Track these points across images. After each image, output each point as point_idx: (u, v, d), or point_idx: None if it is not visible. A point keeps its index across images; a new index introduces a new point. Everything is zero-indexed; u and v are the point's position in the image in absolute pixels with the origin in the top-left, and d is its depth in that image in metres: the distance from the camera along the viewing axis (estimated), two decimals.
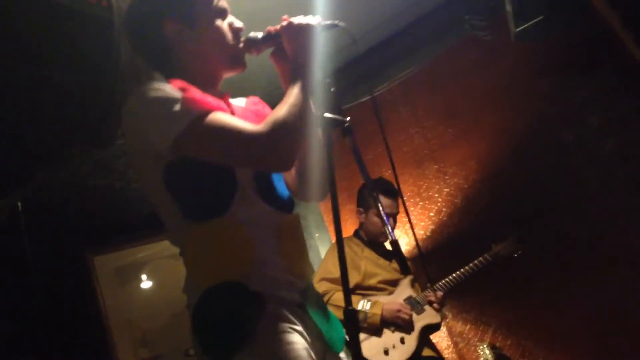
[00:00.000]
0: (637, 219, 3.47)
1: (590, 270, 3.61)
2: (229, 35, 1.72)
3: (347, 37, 1.69)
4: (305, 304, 1.65)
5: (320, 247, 4.58)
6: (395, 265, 3.71)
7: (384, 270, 3.65)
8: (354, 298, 3.46)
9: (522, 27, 3.27)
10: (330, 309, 3.27)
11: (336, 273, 3.52)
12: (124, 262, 3.95)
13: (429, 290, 3.60)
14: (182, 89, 1.56)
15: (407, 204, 4.31)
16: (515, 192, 3.88)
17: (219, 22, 1.71)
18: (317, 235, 4.68)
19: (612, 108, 3.56)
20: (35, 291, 3.55)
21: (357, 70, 4.10)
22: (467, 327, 4.11)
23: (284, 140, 1.53)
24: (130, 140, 1.61)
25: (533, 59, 3.76)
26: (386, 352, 3.38)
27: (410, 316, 3.45)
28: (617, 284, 3.52)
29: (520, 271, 3.77)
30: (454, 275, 3.59)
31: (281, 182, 1.78)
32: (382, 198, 3.61)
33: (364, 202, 3.76)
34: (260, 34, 1.73)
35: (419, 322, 3.49)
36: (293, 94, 1.59)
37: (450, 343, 4.15)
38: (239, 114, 1.75)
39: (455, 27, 3.96)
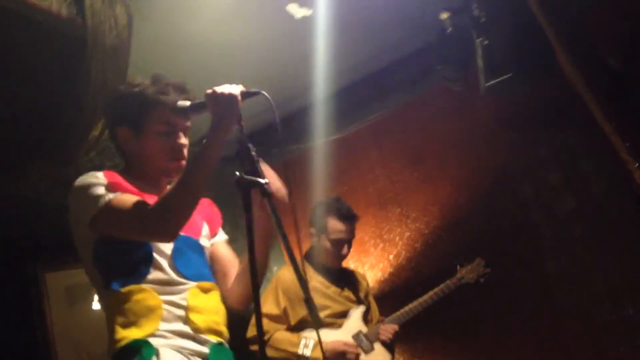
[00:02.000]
0: (589, 275, 3.53)
1: (540, 320, 3.65)
2: (168, 155, 1.99)
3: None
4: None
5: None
6: (347, 293, 3.49)
7: (334, 301, 3.42)
8: (297, 336, 3.30)
9: (491, 82, 3.35)
10: (269, 350, 3.20)
11: (277, 311, 3.35)
12: (76, 282, 3.88)
13: (381, 324, 3.42)
14: (109, 176, 1.89)
15: (367, 244, 4.31)
16: (473, 240, 3.92)
17: (160, 140, 1.98)
18: (275, 268, 4.65)
19: (572, 167, 3.64)
20: None
21: (327, 109, 4.15)
22: None
23: (166, 217, 1.77)
24: (70, 220, 1.91)
25: (499, 113, 3.84)
26: None
27: (356, 355, 3.25)
28: (566, 335, 3.57)
29: (472, 316, 3.80)
30: (411, 305, 3.43)
31: (199, 257, 2.03)
32: (336, 222, 3.43)
33: (317, 224, 3.50)
34: (188, 103, 1.94)
35: None
36: (192, 166, 1.83)
37: None
38: None
39: (427, 76, 4.03)
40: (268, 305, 3.35)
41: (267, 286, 3.52)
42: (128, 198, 1.83)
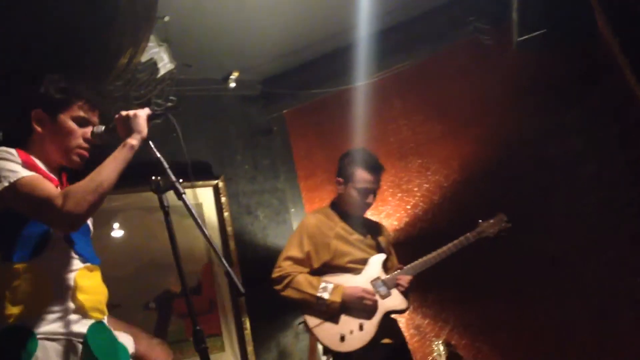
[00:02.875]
0: (604, 242, 3.53)
1: (552, 285, 3.68)
2: (76, 140, 2.13)
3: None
4: (91, 338, 1.99)
5: (294, 222, 4.63)
6: (369, 241, 3.59)
7: (355, 247, 3.52)
8: (317, 279, 3.41)
9: (524, 37, 3.29)
10: (289, 292, 3.38)
11: (301, 254, 3.48)
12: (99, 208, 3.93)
13: (399, 272, 3.49)
14: (23, 156, 1.99)
15: (385, 193, 4.33)
16: (491, 198, 3.92)
17: (74, 126, 2.13)
18: (292, 210, 4.71)
19: (597, 131, 3.60)
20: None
21: (353, 56, 4.12)
22: (426, 321, 4.17)
23: (71, 209, 1.87)
24: None
25: (529, 71, 3.79)
26: (342, 339, 3.32)
27: (374, 302, 3.35)
28: (576, 302, 3.60)
29: (485, 276, 3.84)
30: (429, 256, 3.47)
31: (88, 238, 2.18)
32: (362, 171, 3.52)
33: (344, 173, 3.60)
34: (102, 128, 2.17)
35: (383, 307, 3.39)
36: (103, 169, 1.99)
37: (406, 334, 4.21)
38: None
39: (458, 27, 3.96)
40: (293, 249, 3.50)
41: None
42: (41, 182, 1.94)
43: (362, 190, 3.52)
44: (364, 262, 3.52)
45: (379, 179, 3.60)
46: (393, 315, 3.52)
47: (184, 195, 2.00)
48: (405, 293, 3.46)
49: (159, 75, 3.58)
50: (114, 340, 2.14)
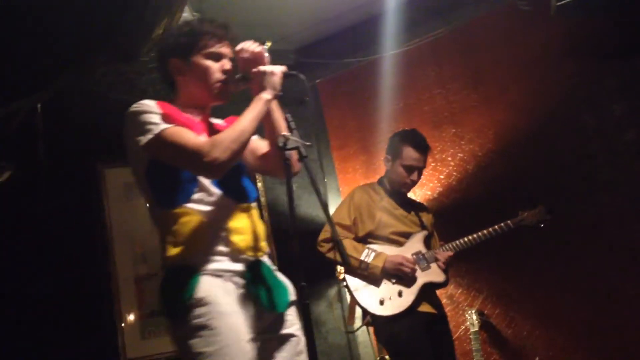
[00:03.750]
0: None
1: (590, 255, 3.65)
2: (215, 75, 2.18)
3: None
4: (252, 277, 2.08)
5: (328, 191, 4.64)
6: (413, 217, 3.70)
7: (400, 221, 3.64)
8: (361, 246, 3.53)
9: (562, 2, 3.22)
10: (333, 254, 3.55)
11: (348, 221, 3.62)
12: (133, 179, 3.99)
13: (439, 248, 3.61)
14: (163, 107, 2.05)
15: None
16: (528, 167, 3.88)
17: (209, 63, 2.18)
18: (325, 180, 4.72)
19: (636, 98, 3.52)
20: (44, 193, 3.61)
21: (389, 23, 4.08)
22: (459, 291, 4.18)
23: (216, 157, 1.96)
24: (125, 140, 2.08)
25: (567, 38, 3.71)
26: (381, 302, 3.43)
27: (413, 270, 3.46)
28: (613, 272, 3.57)
29: (521, 245, 3.81)
30: (469, 237, 3.56)
31: (241, 174, 2.21)
32: (410, 150, 3.60)
33: (393, 150, 3.70)
34: (240, 75, 2.21)
35: (422, 278, 3.49)
36: (242, 120, 2.07)
37: None
38: (217, 132, 2.17)
39: None
40: (341, 215, 3.65)
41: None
42: (183, 132, 2.01)
43: (408, 167, 3.61)
44: (406, 235, 3.62)
45: (426, 159, 3.67)
46: None
47: (305, 159, 2.04)
48: (444, 269, 3.56)
49: None
50: (274, 277, 2.18)
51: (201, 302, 1.95)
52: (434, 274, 3.54)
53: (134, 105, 2.07)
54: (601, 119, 3.65)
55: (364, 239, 3.58)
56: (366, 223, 3.60)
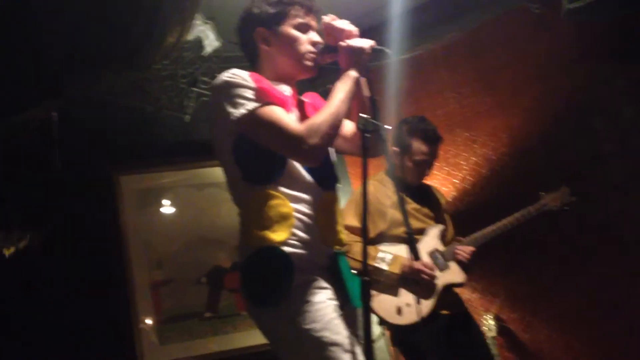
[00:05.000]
0: None
1: (605, 258, 3.60)
2: (304, 46, 2.14)
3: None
4: (333, 268, 2.06)
5: (341, 195, 4.63)
6: (425, 210, 3.52)
7: (413, 217, 3.41)
8: (374, 249, 3.32)
9: (574, 5, 3.19)
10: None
11: (357, 223, 3.35)
12: (148, 186, 4.04)
13: (457, 244, 3.44)
14: (257, 81, 2.00)
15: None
16: (541, 170, 3.85)
17: (297, 34, 2.14)
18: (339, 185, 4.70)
19: None
20: (60, 201, 3.65)
21: (400, 27, 4.06)
22: (475, 295, 4.14)
23: (315, 143, 1.92)
24: (212, 110, 2.06)
25: (578, 40, 3.67)
26: (399, 311, 3.27)
27: (433, 276, 3.27)
28: (629, 275, 3.52)
29: (536, 249, 3.78)
30: (489, 229, 3.39)
31: (328, 161, 2.16)
32: (420, 144, 3.43)
33: (401, 144, 3.47)
34: (323, 46, 2.16)
35: (441, 280, 3.31)
36: (334, 100, 2.00)
37: None
38: (304, 109, 2.20)
39: None
40: (348, 218, 3.35)
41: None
42: (279, 113, 1.97)
43: (418, 162, 3.45)
44: (420, 232, 3.44)
45: (437, 151, 3.52)
46: None
47: (384, 144, 2.05)
48: (466, 266, 3.39)
49: (205, 53, 3.62)
50: (349, 271, 2.16)
51: (300, 281, 1.94)
52: (453, 273, 3.37)
53: (227, 75, 2.02)
54: (612, 122, 3.60)
55: (376, 240, 3.38)
56: (377, 223, 3.38)
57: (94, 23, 2.46)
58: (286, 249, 1.97)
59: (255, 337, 3.77)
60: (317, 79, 2.51)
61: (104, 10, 2.57)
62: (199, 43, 3.54)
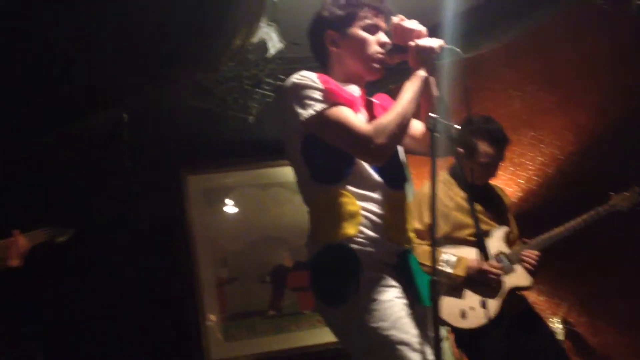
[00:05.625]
0: None
1: None
2: (372, 47, 2.15)
3: None
4: (402, 266, 2.07)
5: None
6: (490, 212, 3.44)
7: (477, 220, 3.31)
8: (438, 251, 3.23)
9: None
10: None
11: (421, 226, 3.30)
12: (214, 185, 4.13)
13: (523, 247, 3.35)
14: (325, 82, 2.03)
15: None
16: (610, 170, 3.74)
17: (366, 35, 2.16)
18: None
19: None
20: (129, 199, 3.77)
21: (462, 26, 4.03)
22: (541, 298, 4.06)
23: (382, 143, 1.94)
24: (282, 111, 2.08)
25: None
26: (463, 315, 3.22)
27: (500, 275, 3.19)
28: None
29: (606, 251, 3.67)
30: (556, 230, 3.28)
31: (397, 161, 2.19)
32: (486, 145, 3.34)
33: (465, 144, 3.27)
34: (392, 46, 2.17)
35: (507, 283, 3.23)
36: (402, 101, 2.01)
37: None
38: (372, 109, 2.22)
39: None
40: (412, 221, 3.31)
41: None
42: (347, 114, 2.00)
43: (484, 164, 3.37)
44: (485, 234, 3.35)
45: (503, 152, 3.45)
46: None
47: (453, 144, 2.11)
48: (532, 270, 3.30)
49: (269, 55, 3.67)
50: (419, 270, 2.17)
51: (367, 278, 1.95)
52: (519, 276, 3.28)
53: (296, 77, 2.06)
54: None
55: (439, 243, 3.29)
56: (440, 225, 3.26)
57: (164, 28, 2.55)
58: (353, 246, 1.99)
59: (317, 336, 3.82)
60: (383, 79, 2.50)
61: (179, 14, 2.66)
62: (262, 45, 3.58)
